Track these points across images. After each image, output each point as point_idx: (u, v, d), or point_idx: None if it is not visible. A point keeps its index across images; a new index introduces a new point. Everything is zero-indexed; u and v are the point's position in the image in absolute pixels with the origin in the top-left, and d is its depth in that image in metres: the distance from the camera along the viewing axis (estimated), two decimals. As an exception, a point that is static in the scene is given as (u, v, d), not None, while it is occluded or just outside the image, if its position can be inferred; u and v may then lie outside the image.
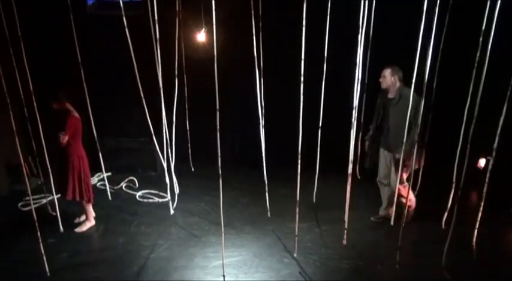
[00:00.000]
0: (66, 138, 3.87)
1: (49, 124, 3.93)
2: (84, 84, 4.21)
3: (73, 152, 3.99)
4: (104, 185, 5.07)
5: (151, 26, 3.70)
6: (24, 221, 4.28)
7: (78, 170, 4.04)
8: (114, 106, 5.67)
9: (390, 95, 3.97)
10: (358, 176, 4.92)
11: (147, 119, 3.86)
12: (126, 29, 3.31)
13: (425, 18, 3.04)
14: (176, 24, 4.39)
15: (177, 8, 4.23)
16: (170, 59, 4.56)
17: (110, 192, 5.01)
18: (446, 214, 3.99)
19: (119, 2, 3.21)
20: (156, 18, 3.41)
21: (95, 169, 4.89)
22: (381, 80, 3.96)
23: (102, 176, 5.48)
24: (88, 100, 4.33)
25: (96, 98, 4.44)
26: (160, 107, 4.00)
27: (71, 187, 4.03)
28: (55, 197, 3.87)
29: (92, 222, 4.32)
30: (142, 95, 3.67)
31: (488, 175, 3.07)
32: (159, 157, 4.41)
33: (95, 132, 4.50)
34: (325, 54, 3.85)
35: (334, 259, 3.67)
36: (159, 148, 4.27)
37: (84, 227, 4.25)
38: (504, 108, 2.86)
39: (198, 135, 5.32)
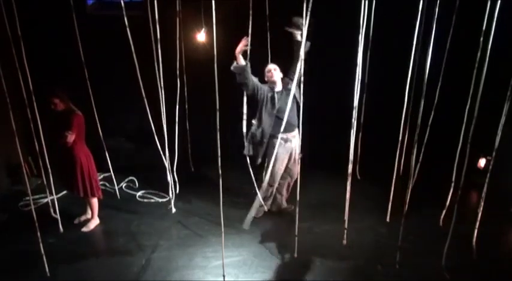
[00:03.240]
0: (73, 137, 3.88)
1: (50, 124, 3.92)
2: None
3: (79, 151, 4.01)
4: (105, 185, 5.07)
5: (151, 26, 3.70)
6: (24, 221, 4.28)
7: (86, 168, 4.05)
8: (114, 106, 5.67)
9: (277, 89, 4.13)
10: (358, 177, 4.92)
11: (148, 119, 3.86)
12: (128, 29, 3.31)
13: (425, 18, 3.04)
14: (176, 24, 4.38)
15: (178, 8, 4.21)
16: (171, 59, 4.54)
17: (110, 192, 5.02)
18: (444, 212, 3.99)
19: (119, 2, 3.22)
20: (156, 18, 3.41)
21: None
22: (271, 73, 4.11)
23: (102, 176, 5.49)
24: (89, 100, 4.32)
25: (96, 98, 4.42)
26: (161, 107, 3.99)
27: (81, 184, 4.05)
28: (55, 197, 3.87)
29: (97, 220, 4.34)
30: (143, 94, 3.67)
31: (488, 174, 3.07)
32: (161, 157, 4.39)
33: (100, 132, 4.50)
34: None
35: (334, 259, 3.67)
36: (161, 148, 4.26)
37: (91, 226, 4.27)
38: (504, 108, 2.86)
39: (198, 134, 5.31)
